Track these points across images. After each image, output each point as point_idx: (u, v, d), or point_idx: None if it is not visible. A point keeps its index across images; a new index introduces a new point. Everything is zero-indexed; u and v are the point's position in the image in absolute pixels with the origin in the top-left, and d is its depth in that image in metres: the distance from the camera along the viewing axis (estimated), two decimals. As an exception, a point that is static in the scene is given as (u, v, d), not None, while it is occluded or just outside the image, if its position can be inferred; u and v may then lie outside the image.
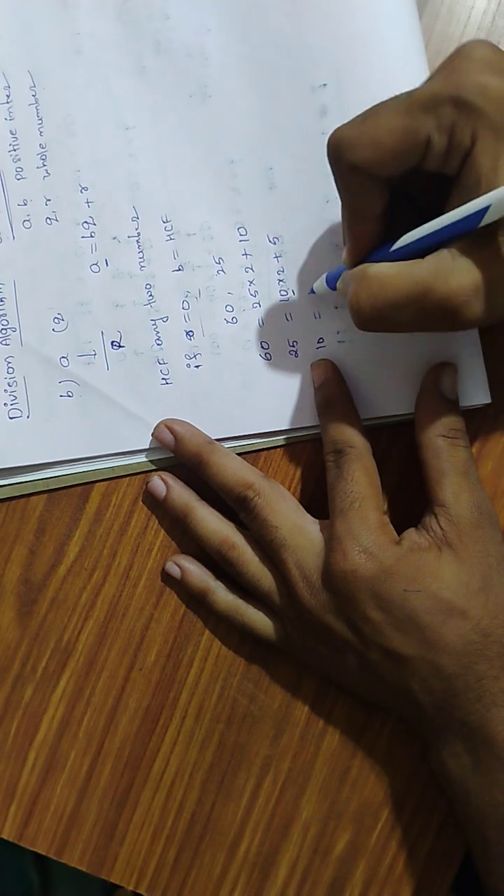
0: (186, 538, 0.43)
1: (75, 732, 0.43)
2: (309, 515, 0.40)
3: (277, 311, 0.41)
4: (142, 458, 0.42)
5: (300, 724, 0.43)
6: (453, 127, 0.31)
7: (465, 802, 0.37)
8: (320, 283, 0.40)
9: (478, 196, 0.31)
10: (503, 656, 0.36)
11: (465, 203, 0.31)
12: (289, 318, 0.41)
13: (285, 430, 0.42)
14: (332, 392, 0.40)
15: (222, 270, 0.41)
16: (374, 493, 0.38)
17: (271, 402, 0.42)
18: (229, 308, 0.41)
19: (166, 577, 0.43)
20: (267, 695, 0.43)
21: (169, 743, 0.43)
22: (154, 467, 0.42)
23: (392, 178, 0.33)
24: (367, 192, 0.34)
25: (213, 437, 0.41)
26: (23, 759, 0.43)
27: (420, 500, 0.39)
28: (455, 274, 0.32)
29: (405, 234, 0.34)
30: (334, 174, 0.34)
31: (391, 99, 0.32)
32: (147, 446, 0.42)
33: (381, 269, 0.33)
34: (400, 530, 0.39)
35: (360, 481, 0.38)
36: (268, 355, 0.42)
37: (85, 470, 0.42)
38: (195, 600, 0.43)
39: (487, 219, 0.31)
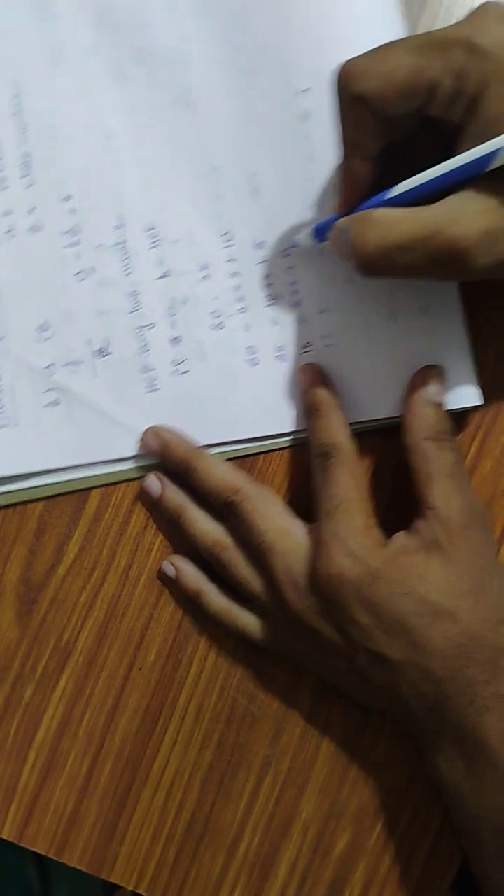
0: (185, 538, 0.43)
1: (75, 732, 0.44)
2: (297, 519, 0.40)
3: (263, 316, 0.41)
4: (130, 465, 0.42)
5: (300, 724, 0.43)
6: (462, 71, 0.31)
7: (460, 807, 0.37)
8: (305, 237, 0.39)
9: (485, 141, 0.31)
10: (494, 660, 0.36)
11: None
12: (275, 324, 0.41)
13: (274, 435, 0.42)
14: (319, 396, 0.40)
15: (208, 277, 0.41)
16: (361, 496, 0.38)
17: (259, 407, 0.41)
18: (215, 314, 0.41)
19: (164, 577, 0.43)
20: (267, 695, 0.43)
21: (169, 743, 0.43)
22: (143, 474, 0.42)
23: (395, 118, 0.33)
24: (369, 127, 0.34)
25: (202, 443, 0.41)
26: (23, 759, 0.44)
27: (414, 504, 0.39)
28: (465, 217, 0.32)
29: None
30: (339, 105, 0.34)
31: (406, 37, 0.32)
32: (135, 453, 0.42)
33: (387, 213, 0.33)
34: (394, 534, 0.38)
35: (346, 484, 0.38)
36: (255, 361, 0.41)
37: (76, 478, 0.42)
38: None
39: (497, 162, 0.31)
